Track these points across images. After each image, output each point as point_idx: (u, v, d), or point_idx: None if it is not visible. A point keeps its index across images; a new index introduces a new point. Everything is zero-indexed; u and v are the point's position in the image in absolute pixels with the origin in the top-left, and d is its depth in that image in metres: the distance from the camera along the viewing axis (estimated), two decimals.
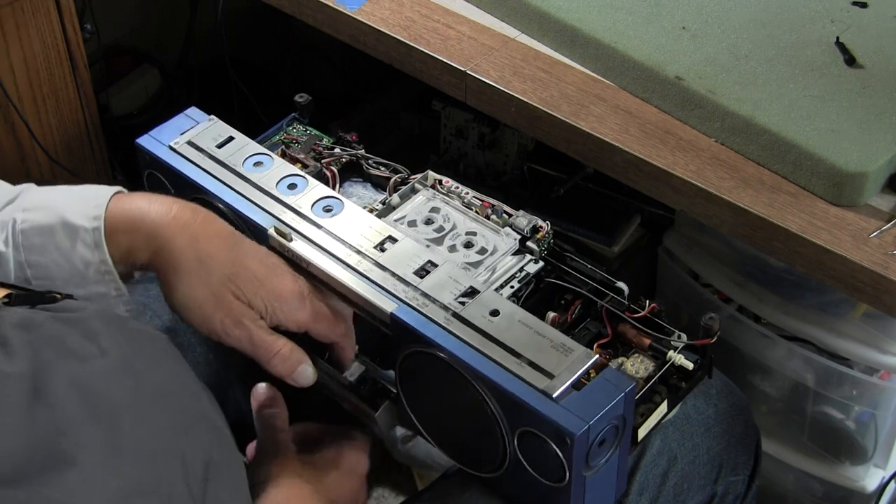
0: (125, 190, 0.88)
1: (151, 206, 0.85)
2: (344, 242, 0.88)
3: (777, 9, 1.10)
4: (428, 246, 0.91)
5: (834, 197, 0.94)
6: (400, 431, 1.51)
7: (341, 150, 1.03)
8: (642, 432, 0.82)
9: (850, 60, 1.03)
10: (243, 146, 0.96)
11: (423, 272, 0.85)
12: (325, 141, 1.05)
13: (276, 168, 0.94)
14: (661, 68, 1.03)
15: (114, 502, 0.63)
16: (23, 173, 1.41)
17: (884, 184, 0.95)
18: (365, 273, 0.86)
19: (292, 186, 0.93)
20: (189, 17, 1.79)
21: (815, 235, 0.91)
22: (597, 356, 0.78)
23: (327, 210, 0.91)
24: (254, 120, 1.68)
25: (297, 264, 0.88)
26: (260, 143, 1.05)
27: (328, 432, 0.91)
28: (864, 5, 1.10)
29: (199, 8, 1.78)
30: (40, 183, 0.90)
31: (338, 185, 1.01)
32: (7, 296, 0.77)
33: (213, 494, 0.70)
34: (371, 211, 0.96)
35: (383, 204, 0.97)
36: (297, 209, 0.91)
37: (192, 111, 1.01)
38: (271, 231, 0.89)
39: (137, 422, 0.68)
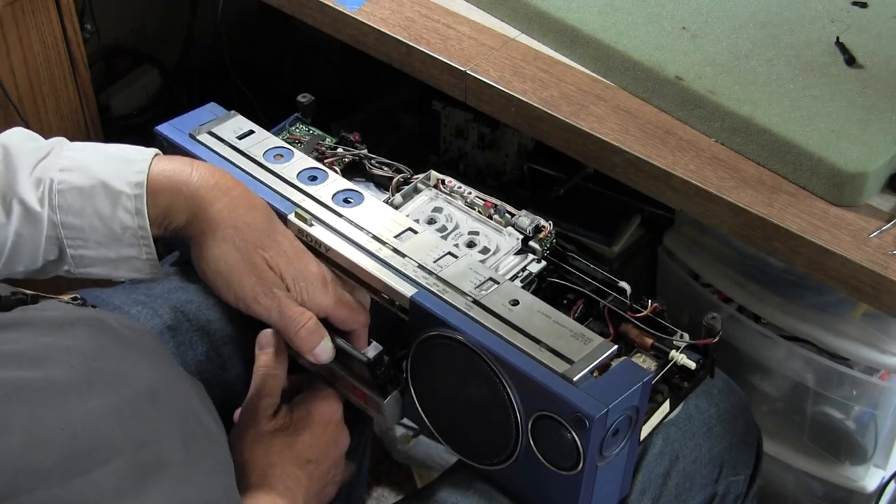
0: (161, 152, 0.89)
1: (194, 171, 0.86)
2: (364, 230, 0.89)
3: (777, 9, 1.10)
4: None
5: (834, 197, 0.94)
6: (399, 431, 1.52)
7: (344, 149, 1.03)
8: (645, 431, 0.82)
9: (850, 60, 1.03)
10: (264, 139, 0.98)
11: (443, 262, 0.86)
12: (328, 141, 1.05)
13: (297, 160, 0.96)
14: (661, 68, 1.03)
15: None
16: None
17: (884, 184, 0.96)
18: (385, 259, 0.87)
19: (313, 178, 0.94)
20: (189, 17, 1.79)
21: (815, 235, 0.91)
22: (616, 346, 0.79)
23: (348, 202, 0.92)
24: (254, 120, 1.68)
25: (317, 249, 0.89)
26: None
27: (295, 388, 0.92)
28: (864, 5, 1.10)
29: (199, 8, 1.78)
30: None
31: None
32: None
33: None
34: None
35: (386, 203, 0.97)
36: (318, 198, 0.92)
37: (212, 106, 1.02)
38: (292, 216, 0.90)
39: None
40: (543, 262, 0.91)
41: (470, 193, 0.96)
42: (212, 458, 0.75)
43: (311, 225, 0.89)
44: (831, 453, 1.28)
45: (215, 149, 0.96)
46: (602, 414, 0.74)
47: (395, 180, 0.99)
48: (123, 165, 0.85)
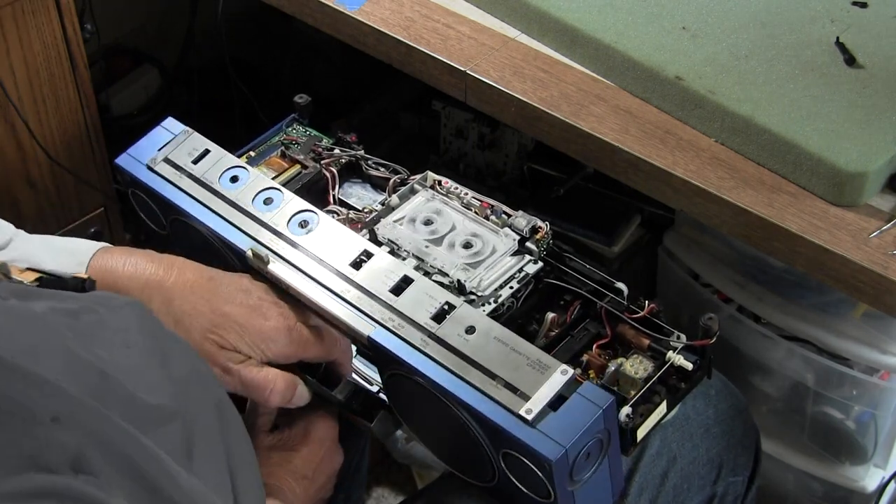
0: (110, 245, 0.88)
1: (125, 269, 0.84)
2: (320, 262, 0.88)
3: (777, 9, 1.10)
4: (427, 247, 0.91)
5: (834, 197, 0.94)
6: (400, 431, 1.52)
7: (341, 150, 1.03)
8: (641, 433, 0.82)
9: (850, 60, 1.03)
10: (219, 159, 0.96)
11: (398, 289, 0.85)
12: (325, 142, 1.04)
13: (252, 182, 0.94)
14: (661, 68, 1.03)
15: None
16: (23, 174, 1.41)
17: (884, 184, 0.95)
18: (341, 294, 0.85)
19: (268, 201, 0.92)
20: (189, 17, 1.79)
21: (815, 235, 0.91)
22: (573, 372, 0.77)
23: (303, 225, 0.90)
24: (254, 120, 1.68)
25: (278, 286, 0.88)
26: (259, 144, 1.04)
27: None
28: (864, 5, 1.10)
29: (199, 8, 1.78)
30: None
31: (337, 186, 1.00)
32: (38, 279, 0.78)
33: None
34: (370, 212, 0.96)
35: (383, 205, 0.96)
36: (274, 227, 0.90)
37: (169, 122, 1.00)
38: (249, 254, 0.88)
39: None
40: (540, 263, 0.90)
41: (466, 194, 0.95)
42: (242, 442, 0.75)
43: (267, 262, 0.88)
44: (831, 453, 1.28)
45: (172, 179, 0.95)
46: (560, 456, 0.73)
47: (391, 181, 0.99)
48: (66, 258, 0.84)
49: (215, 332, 0.83)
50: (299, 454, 0.86)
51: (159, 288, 0.84)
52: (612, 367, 0.83)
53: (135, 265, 0.85)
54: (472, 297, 0.87)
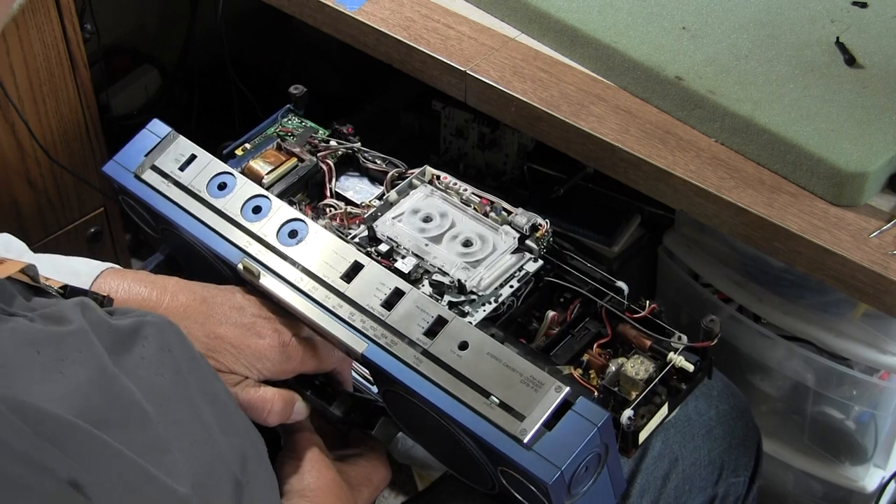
0: (115, 265, 0.87)
1: (118, 293, 0.84)
2: (311, 274, 0.87)
3: (777, 9, 1.10)
4: (426, 245, 0.91)
5: (834, 197, 0.94)
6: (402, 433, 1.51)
7: (337, 143, 1.02)
8: (643, 435, 0.82)
9: (850, 60, 1.03)
10: (206, 165, 0.94)
11: (390, 302, 0.83)
12: (321, 133, 1.04)
13: (240, 189, 0.92)
14: (661, 68, 1.03)
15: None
16: (23, 173, 1.41)
17: (884, 184, 0.95)
18: (333, 309, 0.84)
19: (257, 210, 0.91)
20: (189, 17, 1.79)
21: (815, 235, 0.91)
22: (568, 389, 0.76)
23: (293, 235, 0.89)
24: (254, 120, 1.67)
25: (270, 299, 0.87)
26: (255, 135, 1.03)
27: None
28: (864, 5, 1.10)
29: (199, 8, 1.78)
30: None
31: (334, 179, 0.99)
32: (62, 287, 0.78)
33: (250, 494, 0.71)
34: (368, 207, 0.95)
35: (380, 199, 0.96)
36: (263, 238, 0.89)
37: (154, 125, 0.97)
38: (240, 267, 0.87)
39: (184, 409, 0.70)
40: (540, 262, 0.90)
41: (465, 190, 0.95)
42: (239, 427, 0.76)
43: (258, 277, 0.87)
44: (831, 453, 1.28)
45: (160, 189, 0.93)
46: (556, 477, 0.73)
47: (389, 175, 0.98)
48: (72, 278, 0.84)
49: (210, 356, 0.82)
50: (356, 466, 0.86)
51: (154, 311, 0.83)
52: (612, 368, 0.83)
53: (128, 289, 0.84)
54: (473, 296, 0.87)
